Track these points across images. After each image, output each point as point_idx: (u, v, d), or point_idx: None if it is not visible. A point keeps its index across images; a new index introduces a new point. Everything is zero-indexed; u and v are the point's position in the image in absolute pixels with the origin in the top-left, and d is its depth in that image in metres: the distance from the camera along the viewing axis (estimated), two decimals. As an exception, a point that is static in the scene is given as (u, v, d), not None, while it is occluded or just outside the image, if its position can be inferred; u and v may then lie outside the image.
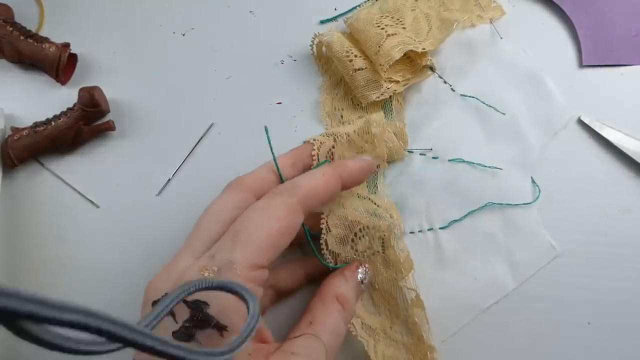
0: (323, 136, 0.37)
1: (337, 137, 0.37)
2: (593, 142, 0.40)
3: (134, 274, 0.37)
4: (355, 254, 0.36)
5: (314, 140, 0.37)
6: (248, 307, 0.18)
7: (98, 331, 0.12)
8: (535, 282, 0.37)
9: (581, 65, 0.42)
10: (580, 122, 0.40)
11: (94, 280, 0.37)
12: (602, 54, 0.42)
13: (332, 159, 0.37)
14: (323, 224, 0.36)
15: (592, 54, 0.42)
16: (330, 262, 0.35)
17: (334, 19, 0.44)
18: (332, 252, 0.35)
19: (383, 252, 0.36)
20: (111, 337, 0.12)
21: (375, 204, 0.37)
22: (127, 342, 0.13)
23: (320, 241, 0.35)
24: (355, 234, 0.36)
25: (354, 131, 0.37)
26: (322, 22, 0.44)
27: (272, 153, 0.39)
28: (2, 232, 0.38)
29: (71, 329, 0.11)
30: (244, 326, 0.17)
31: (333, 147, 0.37)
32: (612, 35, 0.42)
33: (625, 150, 0.39)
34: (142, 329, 0.13)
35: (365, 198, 0.38)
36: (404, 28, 0.40)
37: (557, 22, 0.43)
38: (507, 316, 0.36)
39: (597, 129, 0.40)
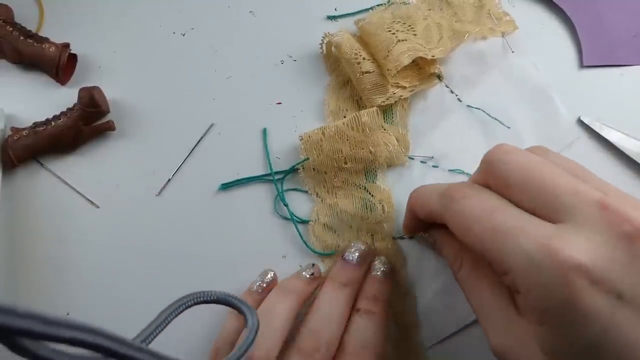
0: (313, 130, 0.38)
1: (325, 130, 0.37)
2: (593, 142, 0.40)
3: (134, 274, 0.38)
4: (342, 242, 0.37)
5: (303, 135, 0.38)
6: (246, 320, 0.18)
7: (94, 347, 0.12)
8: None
9: (581, 65, 0.41)
10: (580, 122, 0.40)
11: (94, 280, 0.38)
12: (602, 54, 0.41)
13: (321, 154, 0.37)
14: (313, 210, 0.38)
15: (592, 54, 0.41)
16: (317, 248, 0.37)
17: (337, 18, 0.43)
18: (319, 237, 0.37)
19: (374, 246, 0.37)
20: (107, 352, 0.12)
21: (370, 193, 0.38)
22: (123, 358, 0.13)
23: (308, 227, 0.37)
24: (343, 223, 0.37)
25: (343, 123, 0.37)
26: (329, 17, 0.43)
27: (268, 158, 0.39)
28: (2, 232, 0.39)
29: (67, 345, 0.11)
30: (243, 339, 0.17)
31: (321, 140, 0.37)
32: (612, 36, 0.42)
33: (625, 150, 0.39)
34: (138, 344, 0.13)
35: (361, 187, 0.38)
36: (415, 35, 0.39)
37: (557, 22, 0.43)
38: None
39: (597, 129, 0.39)
